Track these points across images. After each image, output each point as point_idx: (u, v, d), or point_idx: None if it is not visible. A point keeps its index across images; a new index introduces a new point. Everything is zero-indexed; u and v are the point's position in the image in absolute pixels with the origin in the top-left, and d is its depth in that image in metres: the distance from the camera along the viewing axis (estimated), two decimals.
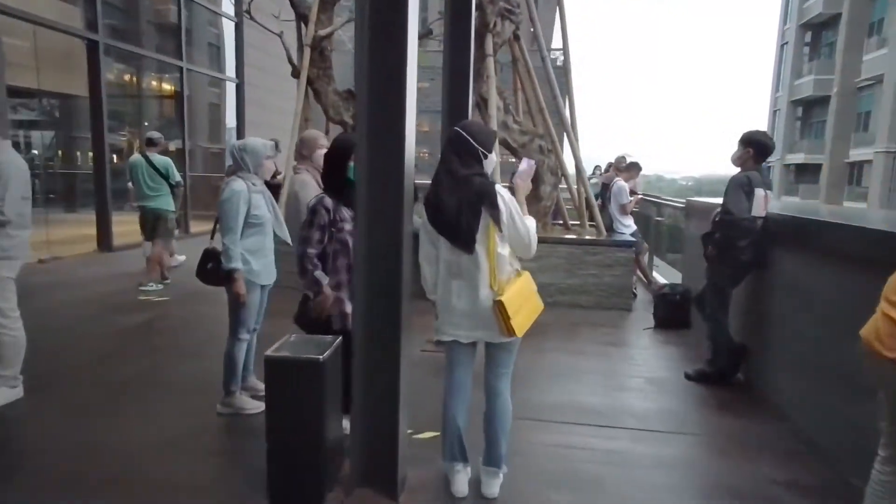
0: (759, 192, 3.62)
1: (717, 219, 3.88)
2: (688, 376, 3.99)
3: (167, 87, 11.61)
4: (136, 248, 8.89)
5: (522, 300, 2.33)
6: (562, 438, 3.11)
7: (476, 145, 2.33)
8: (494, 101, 6.35)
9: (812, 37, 34.43)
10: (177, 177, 6.61)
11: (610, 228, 6.60)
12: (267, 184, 7.95)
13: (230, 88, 12.40)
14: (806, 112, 35.09)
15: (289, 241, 3.37)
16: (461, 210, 2.26)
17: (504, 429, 2.45)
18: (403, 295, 2.44)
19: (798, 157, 33.93)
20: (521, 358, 2.58)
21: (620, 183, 6.63)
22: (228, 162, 12.91)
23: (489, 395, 2.47)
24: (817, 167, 32.07)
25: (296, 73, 7.10)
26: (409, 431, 2.86)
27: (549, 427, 3.24)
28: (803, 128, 35.22)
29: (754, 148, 3.73)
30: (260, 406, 3.29)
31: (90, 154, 9.43)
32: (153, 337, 4.83)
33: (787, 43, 36.36)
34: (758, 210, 3.61)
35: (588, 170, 8.38)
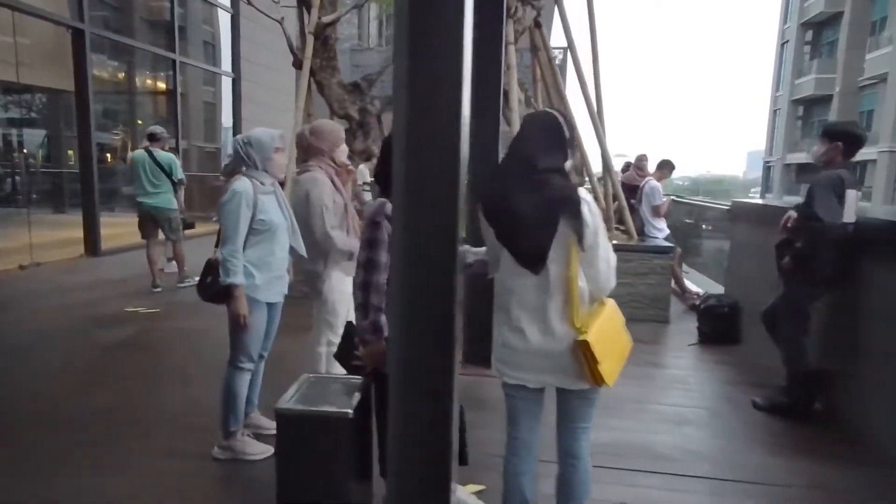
0: (851, 194, 3.10)
1: (789, 224, 3.37)
2: (757, 406, 3.47)
3: (159, 81, 11.05)
4: (125, 251, 8.37)
5: (610, 338, 1.80)
6: (631, 493, 2.58)
7: (568, 140, 1.81)
8: (516, 94, 5.83)
9: (813, 35, 34.17)
10: (180, 174, 6.23)
11: (641, 232, 6.09)
12: None
13: (226, 84, 11.80)
14: (807, 111, 34.81)
15: (303, 252, 2.85)
16: (533, 215, 1.73)
17: (583, 500, 1.92)
18: (456, 312, 1.90)
19: (800, 157, 33.62)
20: None
21: (653, 183, 6.11)
22: (225, 161, 12.39)
23: (563, 456, 1.93)
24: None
25: (297, 63, 6.54)
26: None
27: (611, 477, 2.71)
28: (804, 127, 34.95)
29: (844, 141, 3.19)
30: (266, 450, 2.76)
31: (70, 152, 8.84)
32: (137, 357, 4.26)
33: (787, 42, 36.09)
34: (850, 215, 3.09)
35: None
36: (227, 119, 12.23)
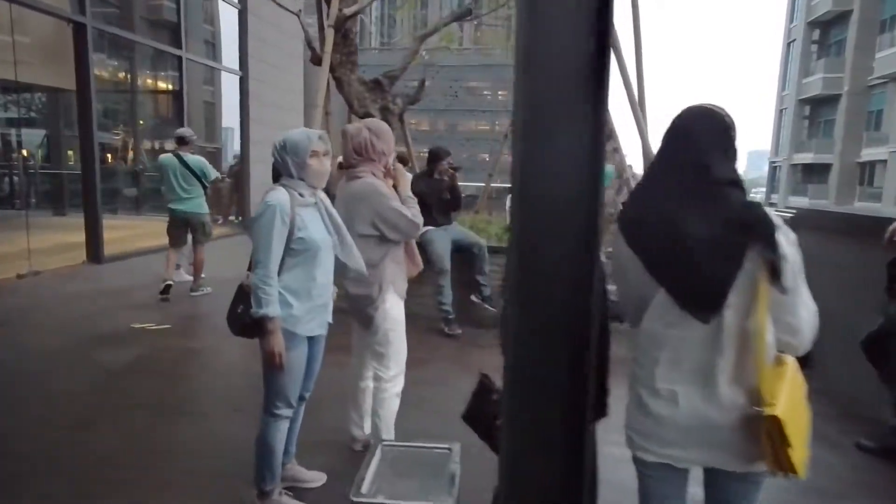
0: None
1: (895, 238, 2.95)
2: (863, 448, 3.04)
3: (164, 79, 10.62)
4: (129, 258, 7.96)
5: (799, 412, 1.36)
6: None
7: (735, 143, 1.39)
8: None
9: (820, 34, 33.86)
10: (214, 174, 6.08)
11: None
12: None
13: (225, 81, 11.28)
14: (814, 111, 34.50)
15: (363, 269, 2.42)
16: (710, 242, 1.30)
17: None
18: (590, 365, 1.48)
19: (806, 157, 33.31)
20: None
21: None
22: (231, 162, 11.95)
23: None
24: (826, 167, 31.45)
25: (315, 59, 6.10)
26: None
27: None
28: (811, 127, 34.63)
29: None
30: None
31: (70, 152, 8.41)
32: (146, 383, 3.79)
33: (794, 41, 35.76)
34: None
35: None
36: (226, 118, 11.75)
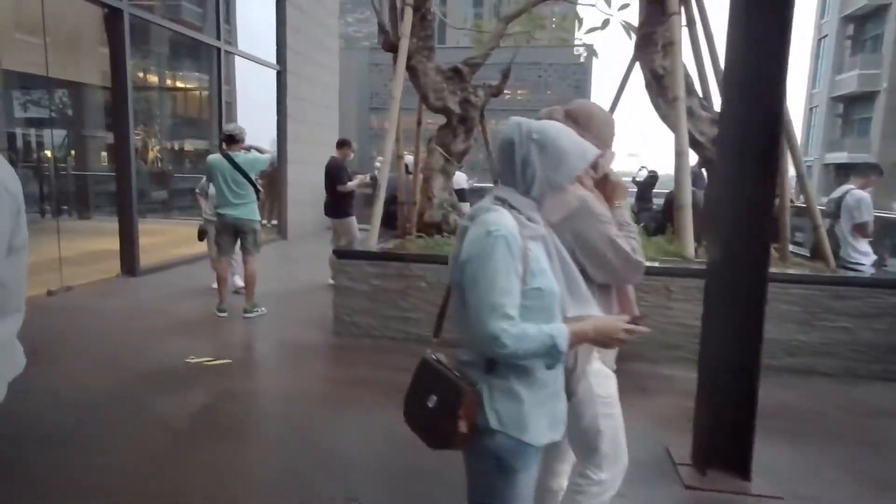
0: None
1: None
2: None
3: (199, 72, 9.86)
4: (166, 269, 7.20)
5: None
6: None
7: None
8: (682, 79, 4.52)
9: (855, 30, 32.74)
10: (265, 159, 5.38)
11: (836, 256, 4.76)
12: (341, 198, 5.93)
13: (241, 76, 10.38)
14: (847, 109, 33.35)
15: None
16: None
17: None
18: None
19: (840, 157, 32.19)
20: None
21: (858, 193, 4.78)
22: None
23: None
24: None
25: (388, 45, 5.27)
26: None
27: None
28: (844, 126, 33.48)
29: None
30: None
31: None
32: (217, 450, 2.91)
33: (825, 36, 34.66)
34: None
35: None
36: (241, 117, 10.89)
